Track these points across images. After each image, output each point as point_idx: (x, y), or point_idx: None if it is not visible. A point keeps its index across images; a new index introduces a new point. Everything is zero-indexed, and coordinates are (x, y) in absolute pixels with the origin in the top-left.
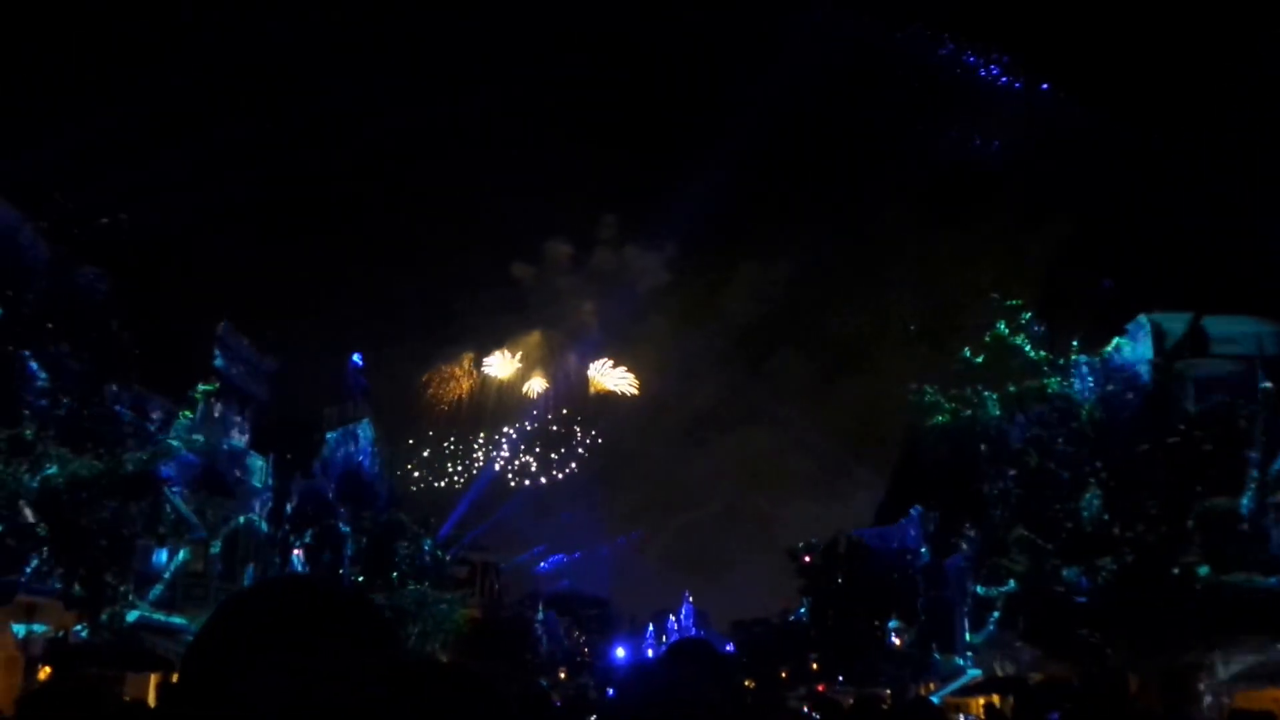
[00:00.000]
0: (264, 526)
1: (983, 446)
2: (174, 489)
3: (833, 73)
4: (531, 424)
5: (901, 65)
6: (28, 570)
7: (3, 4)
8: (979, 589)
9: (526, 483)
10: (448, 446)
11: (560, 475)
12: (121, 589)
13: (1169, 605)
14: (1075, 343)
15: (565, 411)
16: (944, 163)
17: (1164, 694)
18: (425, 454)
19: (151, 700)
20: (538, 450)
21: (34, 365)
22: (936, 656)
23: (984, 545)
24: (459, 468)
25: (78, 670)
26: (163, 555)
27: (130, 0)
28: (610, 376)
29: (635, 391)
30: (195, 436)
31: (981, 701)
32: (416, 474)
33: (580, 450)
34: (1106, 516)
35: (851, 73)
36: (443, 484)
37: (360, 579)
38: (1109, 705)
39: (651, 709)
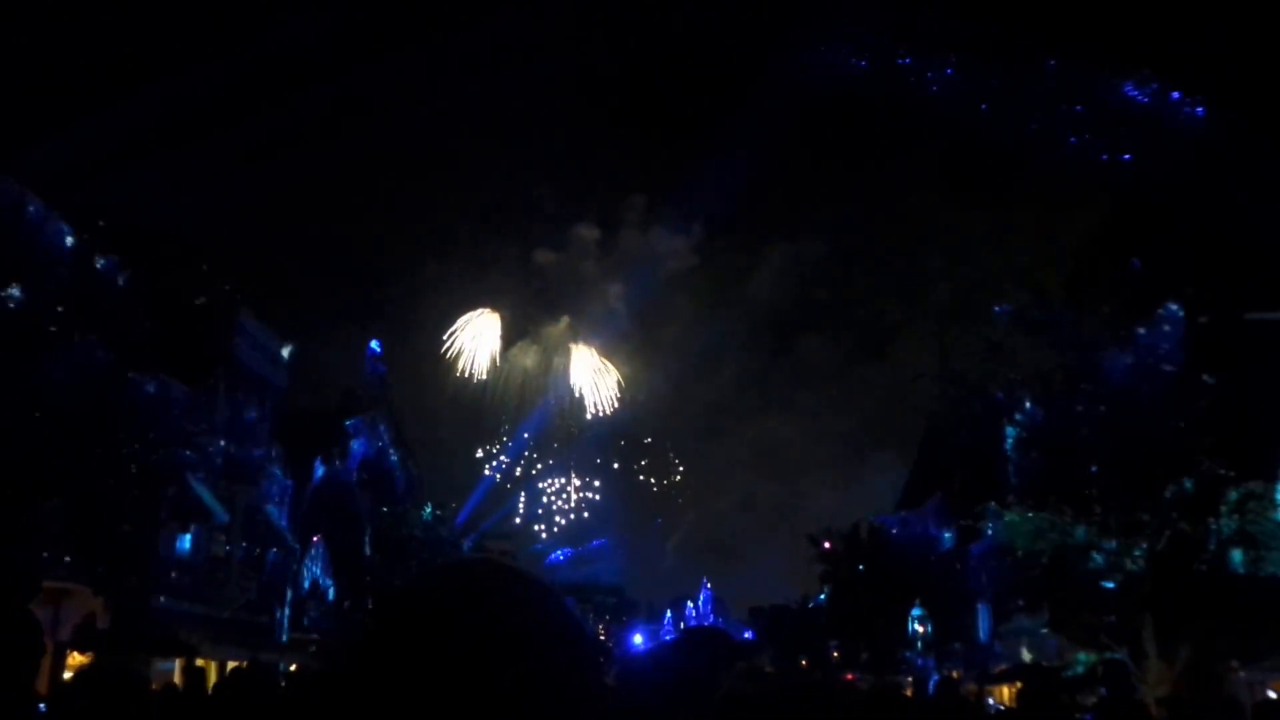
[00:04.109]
0: (284, 513)
1: (1008, 429)
2: (196, 476)
3: (862, 52)
4: (553, 412)
5: (931, 44)
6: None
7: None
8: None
9: (552, 489)
10: (472, 433)
11: (581, 483)
12: (147, 574)
13: (1200, 592)
14: (1102, 323)
15: (583, 404)
16: (976, 142)
17: (1193, 683)
18: (446, 436)
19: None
20: (555, 447)
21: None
22: (958, 644)
23: (1009, 530)
24: (480, 453)
25: (115, 657)
26: (186, 541)
27: None
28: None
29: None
30: (215, 423)
31: (1006, 690)
32: (435, 460)
33: (600, 438)
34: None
35: (881, 51)
36: (462, 469)
37: (374, 559)
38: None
39: (662, 692)
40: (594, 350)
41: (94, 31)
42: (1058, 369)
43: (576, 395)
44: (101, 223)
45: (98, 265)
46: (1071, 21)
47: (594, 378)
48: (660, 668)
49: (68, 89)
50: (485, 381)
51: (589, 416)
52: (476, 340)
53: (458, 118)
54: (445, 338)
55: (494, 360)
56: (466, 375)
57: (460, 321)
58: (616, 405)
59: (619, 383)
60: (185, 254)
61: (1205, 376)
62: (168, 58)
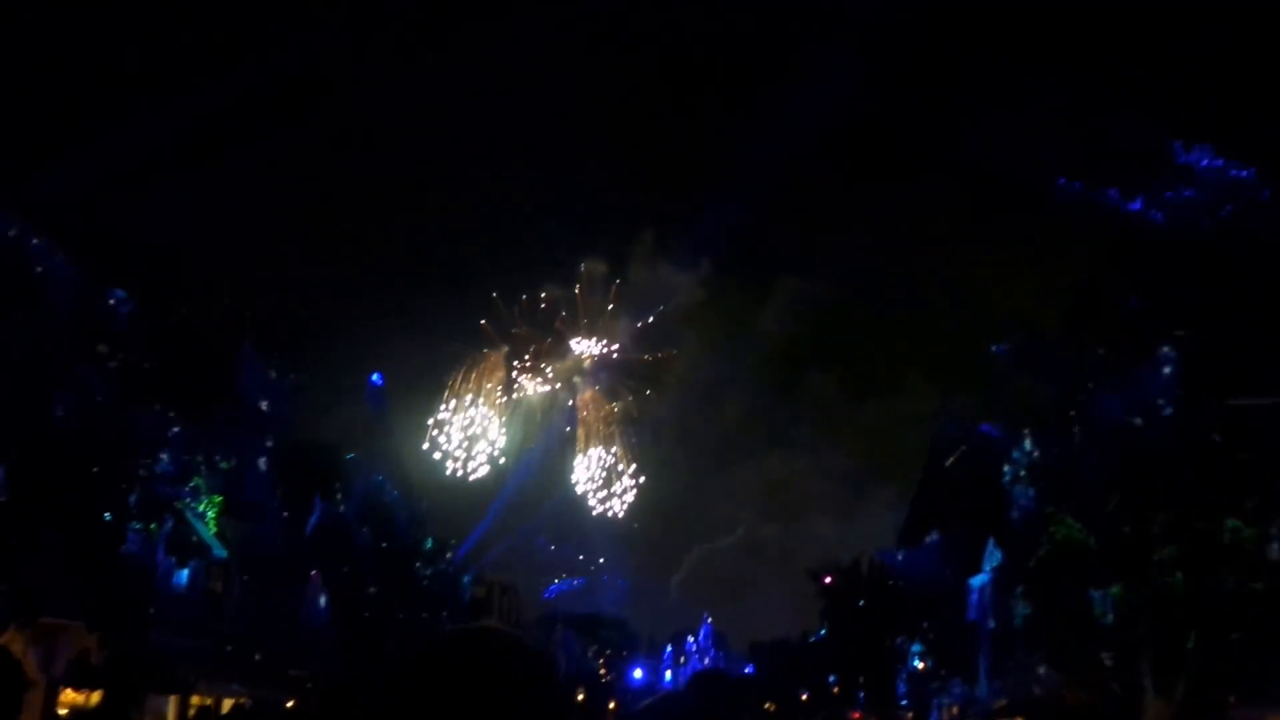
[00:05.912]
0: (283, 548)
1: (1006, 467)
2: (194, 510)
3: (870, 87)
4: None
5: (937, 77)
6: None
7: (24, 23)
8: (1013, 610)
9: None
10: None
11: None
12: (144, 609)
13: (1197, 627)
14: (1100, 362)
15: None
16: (983, 177)
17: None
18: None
19: None
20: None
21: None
22: (958, 680)
23: (1007, 567)
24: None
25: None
26: (183, 576)
27: (148, 19)
28: None
29: None
30: (216, 458)
31: None
32: (439, 492)
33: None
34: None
35: (888, 85)
36: (465, 503)
37: (374, 594)
38: None
39: None
40: (603, 404)
41: (98, 61)
42: (1054, 407)
43: (580, 492)
44: (103, 255)
45: (101, 298)
46: (1073, 25)
47: (604, 459)
48: (670, 716)
49: (69, 116)
50: (484, 479)
51: (593, 514)
52: (471, 426)
53: (465, 152)
54: (430, 424)
55: (493, 455)
56: (461, 475)
57: (445, 407)
58: (628, 501)
59: (634, 476)
60: (187, 286)
61: (1203, 416)
62: (163, 90)
